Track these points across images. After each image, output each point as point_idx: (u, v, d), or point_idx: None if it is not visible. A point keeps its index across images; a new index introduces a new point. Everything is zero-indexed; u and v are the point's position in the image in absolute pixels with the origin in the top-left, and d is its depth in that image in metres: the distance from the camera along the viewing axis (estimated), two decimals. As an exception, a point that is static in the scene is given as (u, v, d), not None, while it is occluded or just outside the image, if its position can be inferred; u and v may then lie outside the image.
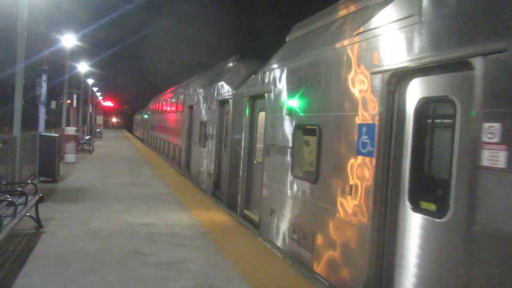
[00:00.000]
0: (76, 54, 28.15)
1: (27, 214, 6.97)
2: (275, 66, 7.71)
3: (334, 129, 5.48)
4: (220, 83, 11.70)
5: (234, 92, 10.32)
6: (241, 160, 9.57)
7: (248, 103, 9.21)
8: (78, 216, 8.37)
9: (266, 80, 8.01)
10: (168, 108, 23.83)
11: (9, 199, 6.59)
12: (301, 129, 6.61)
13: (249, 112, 9.21)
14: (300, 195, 6.33)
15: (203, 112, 13.71)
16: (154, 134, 30.60)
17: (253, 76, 9.64)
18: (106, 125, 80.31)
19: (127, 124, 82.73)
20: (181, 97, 19.09)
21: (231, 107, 10.49)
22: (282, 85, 7.28)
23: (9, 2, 11.97)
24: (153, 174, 15.83)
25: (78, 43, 23.57)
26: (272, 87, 7.68)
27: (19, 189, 7.98)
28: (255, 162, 9.08)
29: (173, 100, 22.13)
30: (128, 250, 6.42)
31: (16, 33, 11.22)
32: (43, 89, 16.32)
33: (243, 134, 9.45)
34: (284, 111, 6.97)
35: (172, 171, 17.15)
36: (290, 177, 6.72)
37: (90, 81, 42.60)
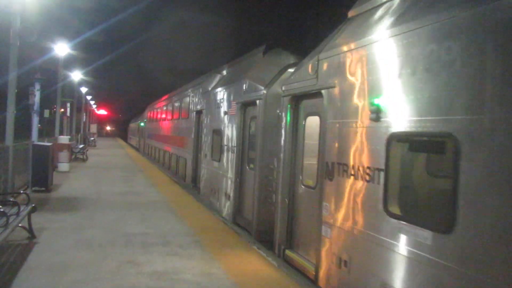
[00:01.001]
0: (69, 63, 28.11)
1: (20, 225, 6.90)
2: (344, 49, 5.32)
3: (498, 142, 3.19)
4: (241, 82, 9.37)
5: (265, 91, 8.06)
6: (279, 182, 7.06)
7: (289, 105, 6.84)
8: (71, 226, 8.30)
9: (324, 71, 5.75)
10: (169, 115, 21.01)
11: (1, 210, 6.50)
12: (407, 141, 4.39)
13: (291, 117, 6.85)
14: (407, 246, 4.01)
15: (217, 118, 11.14)
16: (152, 143, 27.36)
17: (290, 69, 7.83)
18: (100, 133, 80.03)
19: (122, 133, 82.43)
20: (186, 101, 16.30)
21: (260, 110, 8.17)
22: (360, 74, 4.96)
23: (1, 11, 11.94)
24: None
25: (71, 52, 23.55)
26: (337, 79, 5.39)
27: (11, 199, 7.90)
28: (301, 186, 6.62)
29: (175, 105, 19.41)
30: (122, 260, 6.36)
31: (8, 42, 11.18)
32: (36, 98, 16.26)
33: (283, 147, 6.98)
34: (366, 113, 4.71)
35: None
36: (381, 216, 4.40)
37: (84, 90, 42.47)
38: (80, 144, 31.76)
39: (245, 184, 9.12)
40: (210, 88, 12.39)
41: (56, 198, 11.48)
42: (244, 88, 9.19)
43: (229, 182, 9.78)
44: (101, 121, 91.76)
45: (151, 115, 29.47)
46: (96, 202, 11.03)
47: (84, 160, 24.00)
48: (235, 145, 9.43)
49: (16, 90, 11.37)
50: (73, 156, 23.38)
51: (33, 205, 7.60)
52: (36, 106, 16.40)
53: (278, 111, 7.46)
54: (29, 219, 7.34)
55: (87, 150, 26.77)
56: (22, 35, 12.12)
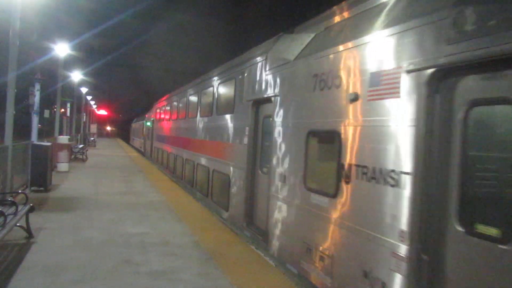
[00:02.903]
0: (69, 63, 28.17)
1: (17, 224, 6.90)
2: None
3: None
4: (437, 17, 4.02)
5: None
6: None
7: None
8: (69, 226, 8.29)
9: None
10: (193, 109, 14.92)
11: (-1, 209, 6.53)
12: None
13: None
14: None
15: (321, 108, 5.86)
16: (164, 148, 21.66)
17: None
18: (100, 134, 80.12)
19: (123, 133, 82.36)
20: (228, 87, 10.87)
21: None
22: None
23: (1, 11, 11.97)
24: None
25: (72, 52, 23.59)
26: None
27: (9, 199, 7.90)
28: None
29: (204, 96, 13.61)
30: (119, 259, 6.37)
31: (8, 42, 11.19)
32: (36, 98, 16.34)
33: None
34: None
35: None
36: None
37: (84, 90, 42.54)
38: (80, 144, 31.78)
39: (463, 269, 3.73)
40: (293, 57, 6.87)
41: (54, 198, 11.48)
42: (449, 30, 3.88)
43: (380, 252, 4.45)
44: (101, 121, 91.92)
45: (163, 112, 23.27)
46: (95, 202, 11.02)
47: (83, 160, 24.01)
48: (405, 170, 4.20)
49: (15, 90, 11.40)
50: (73, 156, 23.40)
51: (31, 204, 7.61)
52: (36, 106, 16.48)
53: None
54: (27, 219, 7.34)
55: (87, 150, 26.78)
56: (22, 35, 12.15)
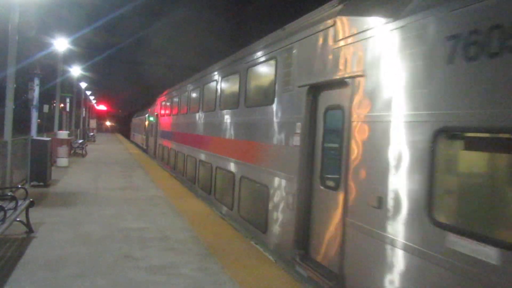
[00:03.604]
0: (69, 58, 28.13)
1: (17, 219, 6.91)
2: None
3: None
4: None
5: None
6: None
7: None
8: (69, 221, 8.30)
9: None
10: (213, 101, 11.83)
11: (-1, 204, 6.53)
12: None
13: None
14: None
15: (466, 92, 3.57)
16: (172, 146, 18.67)
17: None
18: (100, 129, 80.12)
19: (122, 128, 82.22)
20: (264, 70, 8.49)
21: None
22: None
23: (0, 5, 11.92)
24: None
25: (71, 47, 23.57)
26: None
27: (9, 194, 7.90)
28: None
29: (228, 84, 11.04)
30: (119, 254, 6.38)
31: (7, 37, 11.16)
32: (36, 93, 16.33)
33: None
34: None
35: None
36: None
37: (83, 85, 42.47)
38: (80, 139, 31.76)
39: None
40: (397, 15, 4.45)
41: (54, 193, 11.49)
42: None
43: None
44: (100, 116, 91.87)
45: (170, 106, 20.50)
46: (95, 198, 11.03)
47: (83, 155, 24.01)
48: None
49: (15, 85, 11.38)
50: (72, 151, 23.41)
51: (31, 199, 7.62)
52: (35, 101, 16.47)
53: None
54: (27, 214, 7.36)
55: (87, 146, 26.77)
56: (21, 30, 12.12)
